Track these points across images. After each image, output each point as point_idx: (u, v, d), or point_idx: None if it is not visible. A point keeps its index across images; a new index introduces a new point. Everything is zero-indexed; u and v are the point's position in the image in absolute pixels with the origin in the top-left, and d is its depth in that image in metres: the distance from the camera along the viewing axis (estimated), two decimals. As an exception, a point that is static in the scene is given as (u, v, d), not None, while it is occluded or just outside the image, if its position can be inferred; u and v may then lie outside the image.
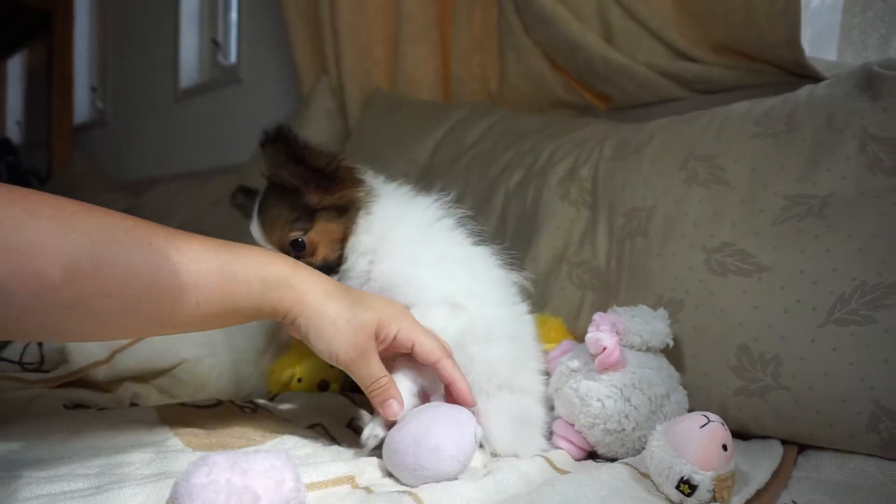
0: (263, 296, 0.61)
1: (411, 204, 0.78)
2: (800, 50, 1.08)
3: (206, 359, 1.01)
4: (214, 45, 2.74)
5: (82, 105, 3.60)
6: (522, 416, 0.74)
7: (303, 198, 0.72)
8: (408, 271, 0.72)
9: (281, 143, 0.70)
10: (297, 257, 0.71)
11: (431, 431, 0.61)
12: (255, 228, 0.74)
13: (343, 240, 0.74)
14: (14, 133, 4.27)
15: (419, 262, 0.73)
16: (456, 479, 0.62)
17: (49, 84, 3.40)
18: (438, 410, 0.65)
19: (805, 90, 0.93)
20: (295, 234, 0.72)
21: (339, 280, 0.72)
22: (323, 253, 0.74)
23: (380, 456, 0.67)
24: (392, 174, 1.48)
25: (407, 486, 0.61)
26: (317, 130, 1.82)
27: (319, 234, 0.73)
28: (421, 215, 0.77)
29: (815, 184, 0.81)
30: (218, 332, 1.01)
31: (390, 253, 0.73)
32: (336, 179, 0.73)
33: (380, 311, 0.65)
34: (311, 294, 0.63)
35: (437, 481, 0.60)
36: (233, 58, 2.65)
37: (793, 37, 1.07)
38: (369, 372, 0.65)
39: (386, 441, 0.65)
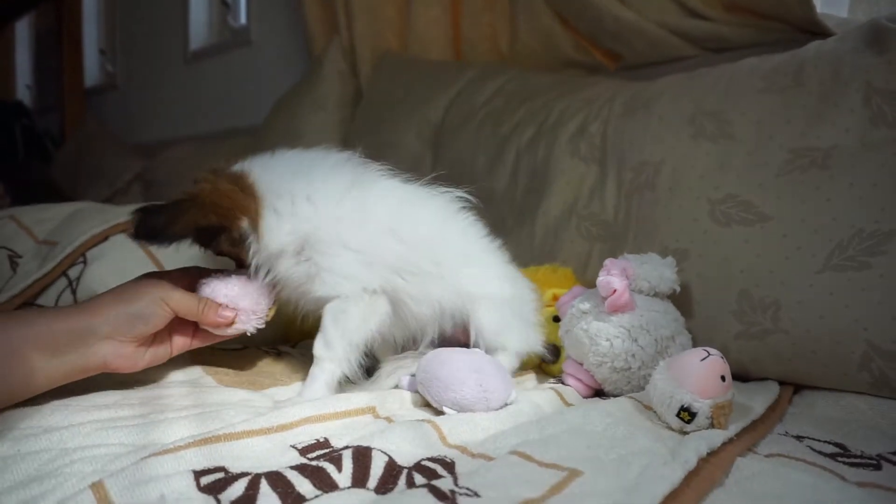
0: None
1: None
2: (811, 7, 1.09)
3: None
4: (224, 6, 2.74)
5: (92, 68, 3.60)
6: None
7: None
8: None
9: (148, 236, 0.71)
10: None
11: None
12: None
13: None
14: (25, 96, 4.28)
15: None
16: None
17: (59, 47, 3.40)
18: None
19: (813, 46, 0.95)
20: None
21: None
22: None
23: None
24: (404, 133, 1.51)
25: (444, 406, 0.67)
26: (329, 91, 1.84)
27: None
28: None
29: (818, 137, 0.84)
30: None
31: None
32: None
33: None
34: None
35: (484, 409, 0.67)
36: (242, 19, 2.65)
37: (804, -7, 1.08)
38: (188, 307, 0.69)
39: (436, 375, 0.69)
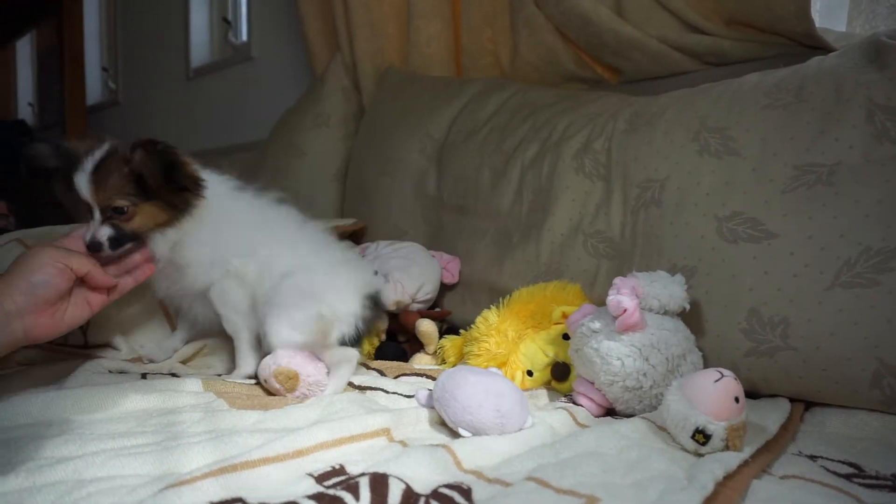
0: None
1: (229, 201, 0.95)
2: (810, 21, 1.10)
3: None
4: (225, 23, 2.76)
5: (94, 86, 3.62)
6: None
7: (144, 180, 0.84)
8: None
9: (159, 155, 0.84)
10: (110, 219, 0.84)
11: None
12: (83, 180, 0.83)
13: (161, 226, 0.88)
14: (27, 114, 4.29)
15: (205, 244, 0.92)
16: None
17: (60, 65, 3.42)
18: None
19: (814, 61, 0.96)
20: (122, 203, 0.84)
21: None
22: (136, 225, 0.86)
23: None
24: (408, 149, 1.52)
25: (459, 427, 0.68)
26: (332, 107, 1.84)
27: (143, 213, 0.86)
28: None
29: (823, 153, 0.84)
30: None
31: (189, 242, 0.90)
32: (183, 185, 0.87)
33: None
34: None
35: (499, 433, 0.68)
36: (244, 36, 2.67)
37: (802, 8, 1.09)
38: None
39: (454, 395, 0.70)
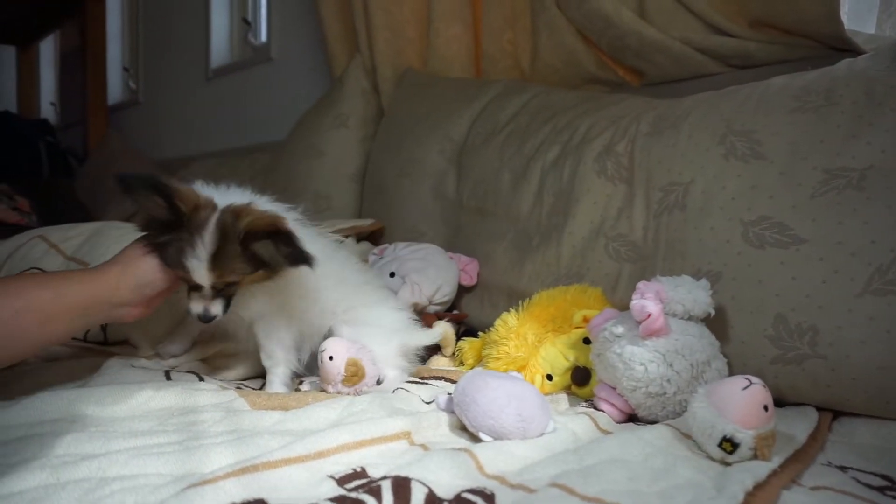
0: None
1: None
2: (839, 23, 1.08)
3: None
4: (245, 24, 2.77)
5: (115, 85, 3.66)
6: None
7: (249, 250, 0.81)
8: None
9: (284, 240, 0.80)
10: (220, 291, 0.82)
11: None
12: (199, 266, 0.78)
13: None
14: (49, 113, 4.36)
15: None
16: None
17: (83, 65, 3.46)
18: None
19: (844, 64, 0.94)
20: (236, 279, 0.82)
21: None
22: (241, 287, 0.85)
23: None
24: (427, 151, 1.52)
25: (480, 431, 0.68)
26: (351, 109, 1.85)
27: (251, 278, 0.84)
28: None
29: (853, 157, 0.83)
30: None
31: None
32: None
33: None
34: None
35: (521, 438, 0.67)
36: (263, 37, 2.68)
37: (832, 10, 1.07)
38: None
39: (474, 399, 0.69)
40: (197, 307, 0.82)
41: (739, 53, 1.26)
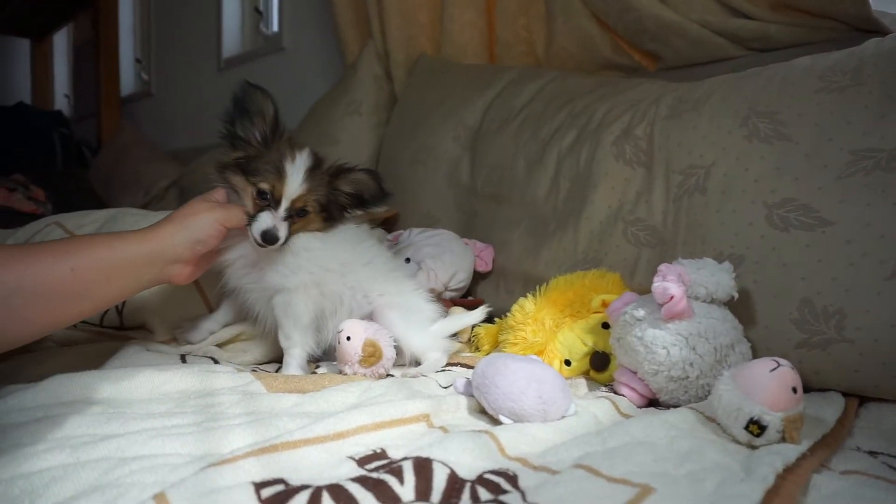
0: None
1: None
2: (866, 4, 1.05)
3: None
4: (257, 13, 2.77)
5: (127, 77, 3.67)
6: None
7: (334, 199, 0.91)
8: None
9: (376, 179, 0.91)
10: (290, 217, 0.86)
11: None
12: (296, 174, 0.85)
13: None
14: (63, 105, 4.39)
15: None
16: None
17: (96, 57, 3.47)
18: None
19: (871, 43, 0.91)
20: (311, 208, 0.88)
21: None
22: (298, 228, 0.89)
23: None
24: (441, 137, 1.50)
25: (500, 414, 0.67)
26: (364, 95, 1.84)
27: (313, 221, 0.90)
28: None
29: (882, 137, 0.81)
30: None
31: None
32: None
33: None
34: None
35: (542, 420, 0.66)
36: (275, 26, 2.67)
37: (858, -10, 1.05)
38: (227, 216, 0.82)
39: (494, 382, 0.69)
40: (266, 221, 0.83)
41: (759, 36, 1.24)
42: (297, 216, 0.87)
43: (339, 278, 0.94)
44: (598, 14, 1.46)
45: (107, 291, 0.71)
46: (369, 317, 0.97)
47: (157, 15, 3.45)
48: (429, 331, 0.98)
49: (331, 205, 0.90)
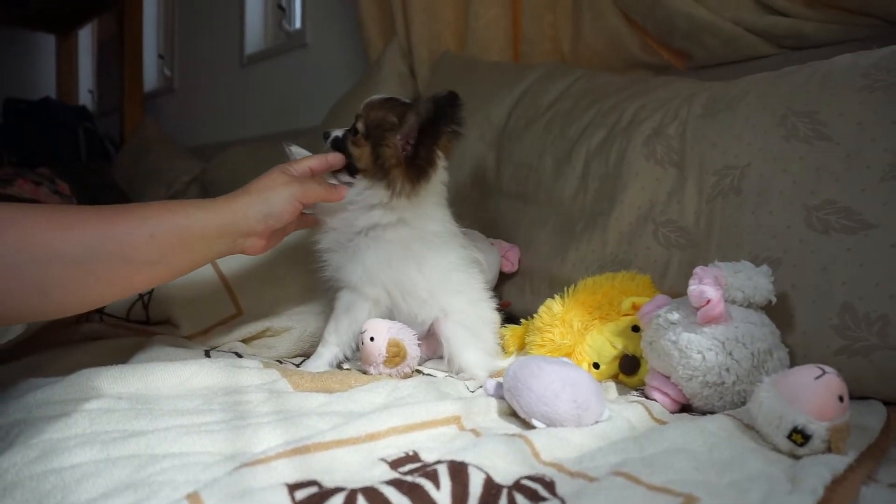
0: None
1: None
2: (908, 0, 1.02)
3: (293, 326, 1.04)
4: (280, 10, 2.77)
5: (151, 72, 3.71)
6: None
7: (396, 134, 0.88)
8: None
9: (444, 111, 0.90)
10: (351, 138, 0.91)
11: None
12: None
13: (367, 176, 0.90)
14: (87, 100, 4.44)
15: None
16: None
17: (120, 53, 3.51)
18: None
19: (917, 41, 0.89)
20: (361, 126, 0.90)
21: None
22: (355, 154, 0.90)
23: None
24: (468, 134, 1.49)
25: (532, 418, 0.65)
26: (388, 92, 1.82)
27: (363, 152, 0.89)
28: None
29: (928, 138, 0.78)
30: (301, 305, 1.05)
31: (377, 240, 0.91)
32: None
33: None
34: None
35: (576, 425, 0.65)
36: (298, 23, 2.68)
37: (901, -14, 1.02)
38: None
39: (527, 385, 0.67)
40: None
41: (794, 34, 1.21)
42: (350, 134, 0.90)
43: (420, 304, 0.92)
44: (626, 11, 1.43)
45: (182, 259, 0.72)
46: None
47: (181, 11, 3.47)
48: (485, 353, 0.94)
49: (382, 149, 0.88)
